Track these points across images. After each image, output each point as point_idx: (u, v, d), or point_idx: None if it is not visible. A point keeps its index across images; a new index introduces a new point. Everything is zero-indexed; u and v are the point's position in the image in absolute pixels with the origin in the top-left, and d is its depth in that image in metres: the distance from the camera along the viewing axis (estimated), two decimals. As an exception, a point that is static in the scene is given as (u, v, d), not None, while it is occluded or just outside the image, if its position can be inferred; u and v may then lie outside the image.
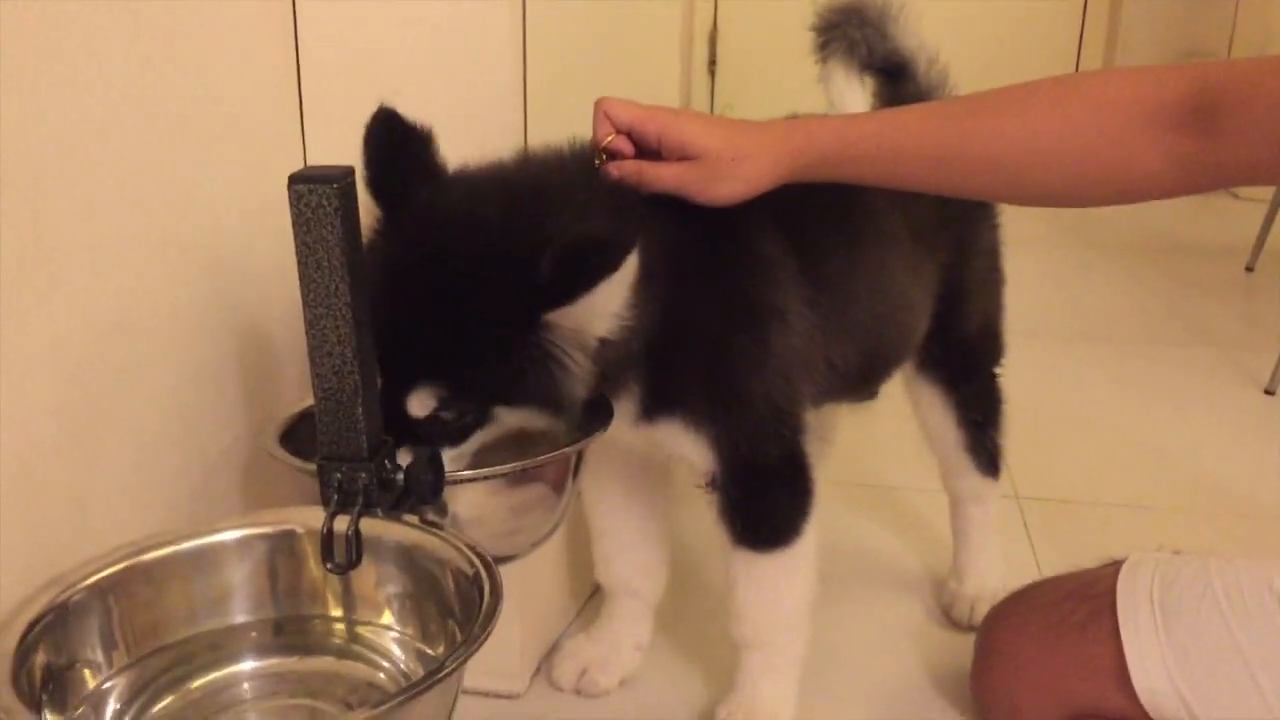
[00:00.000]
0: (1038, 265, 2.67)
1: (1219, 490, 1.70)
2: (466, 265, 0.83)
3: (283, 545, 0.80)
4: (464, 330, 0.82)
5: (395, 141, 0.86)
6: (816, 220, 1.05)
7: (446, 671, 0.63)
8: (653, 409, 0.98)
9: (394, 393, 0.83)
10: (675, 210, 0.94)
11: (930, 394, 1.31)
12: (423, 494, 0.80)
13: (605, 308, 0.82)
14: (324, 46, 1.05)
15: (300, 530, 0.80)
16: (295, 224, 0.74)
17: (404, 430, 0.84)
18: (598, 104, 0.97)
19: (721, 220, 0.97)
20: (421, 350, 0.83)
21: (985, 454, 1.34)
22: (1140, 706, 1.04)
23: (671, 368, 0.95)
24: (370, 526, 0.78)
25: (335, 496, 0.78)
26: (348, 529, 0.77)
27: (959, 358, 1.29)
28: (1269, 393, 2.05)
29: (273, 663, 0.78)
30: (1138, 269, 2.81)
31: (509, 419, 0.87)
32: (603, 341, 0.85)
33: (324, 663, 0.78)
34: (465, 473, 0.85)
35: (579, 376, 0.85)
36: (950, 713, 1.20)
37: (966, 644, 1.19)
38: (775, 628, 1.11)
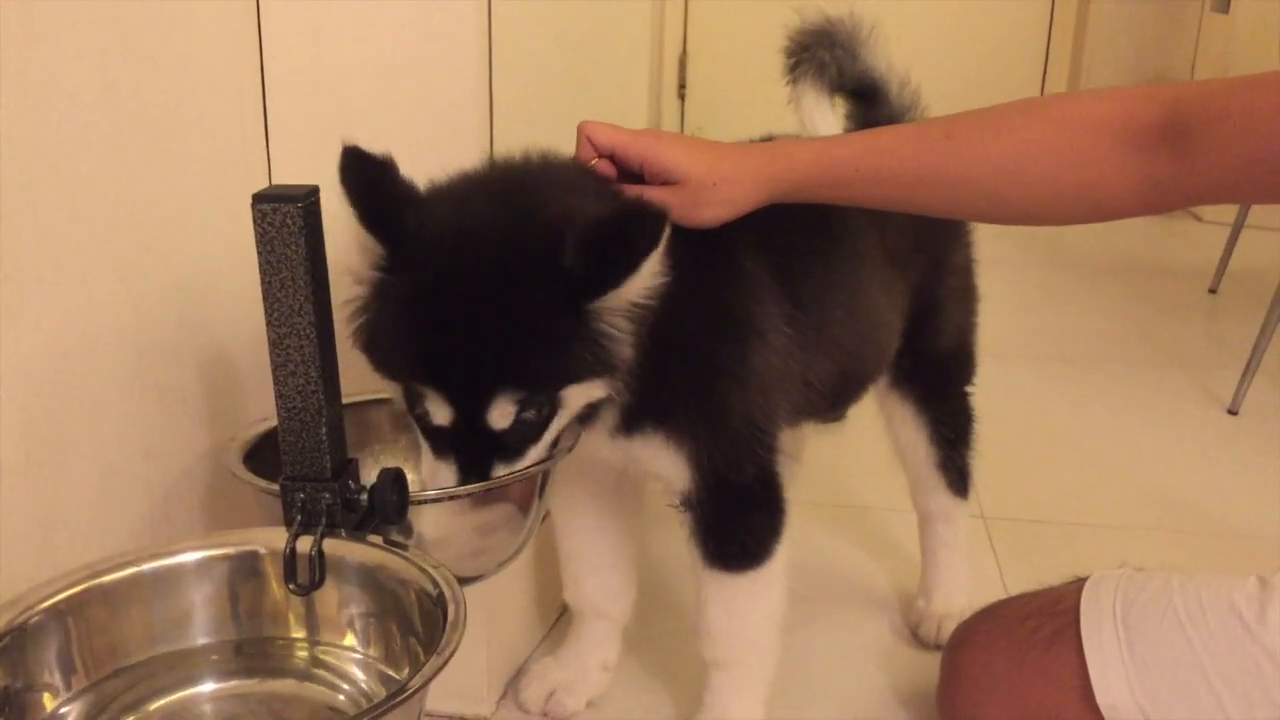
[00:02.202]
0: (1008, 286, 2.69)
1: (1184, 508, 1.71)
2: (497, 272, 0.82)
3: (244, 566, 0.79)
4: (519, 333, 0.82)
5: (371, 176, 0.84)
6: (796, 238, 1.06)
7: (407, 694, 0.63)
8: (633, 422, 0.98)
9: (471, 414, 0.83)
10: None
11: (903, 410, 1.31)
12: (388, 514, 0.79)
13: (645, 279, 0.84)
14: (289, 68, 1.05)
15: (262, 551, 0.80)
16: (259, 243, 0.74)
17: (490, 446, 0.84)
18: (580, 127, 0.97)
19: (707, 234, 0.97)
20: (487, 365, 0.82)
21: (955, 472, 1.35)
22: (1104, 722, 1.04)
23: (655, 380, 0.94)
24: (333, 547, 0.77)
25: (298, 517, 0.78)
26: (311, 549, 0.77)
27: (932, 374, 1.30)
28: (1232, 412, 2.07)
29: (233, 685, 0.78)
30: (1104, 290, 2.84)
31: (574, 399, 0.87)
32: (639, 305, 0.86)
33: (285, 685, 0.78)
34: (430, 492, 0.84)
35: (626, 340, 0.86)
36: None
37: (934, 662, 1.19)
38: (745, 647, 1.10)
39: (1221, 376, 2.13)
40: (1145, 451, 1.91)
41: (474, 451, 0.85)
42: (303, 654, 0.79)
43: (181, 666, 0.77)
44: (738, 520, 1.04)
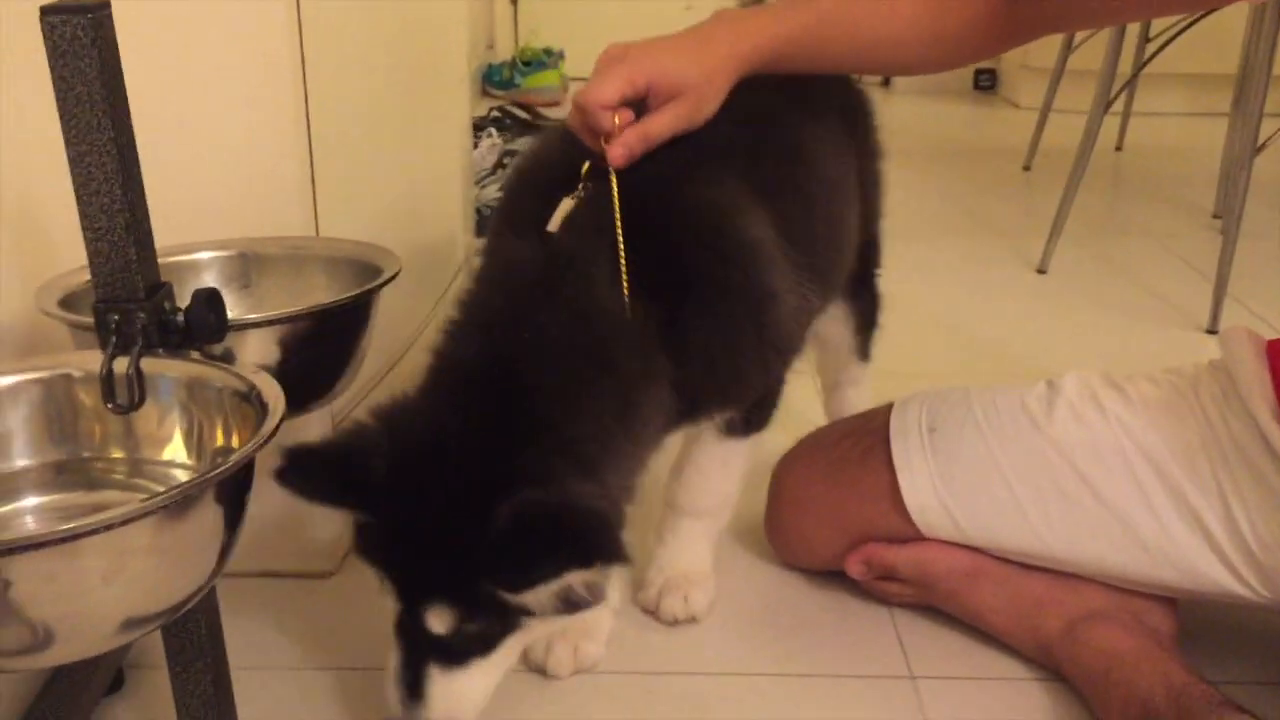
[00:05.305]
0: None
1: (997, 355, 1.84)
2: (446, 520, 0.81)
3: (59, 389, 0.79)
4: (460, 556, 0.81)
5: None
6: (779, 177, 1.07)
7: (227, 466, 0.65)
8: (691, 414, 1.01)
9: (412, 609, 0.84)
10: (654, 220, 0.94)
11: (836, 301, 1.32)
12: (205, 334, 0.80)
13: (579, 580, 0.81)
14: None
15: (76, 374, 0.80)
16: (51, 58, 0.74)
17: (426, 644, 0.85)
18: (583, 104, 0.95)
19: (706, 213, 0.97)
20: (428, 568, 0.83)
21: (867, 345, 1.41)
22: (913, 525, 1.12)
23: (702, 377, 0.96)
24: (150, 365, 0.78)
25: (113, 339, 0.78)
26: (128, 369, 0.77)
27: (862, 261, 1.33)
28: (1041, 272, 2.22)
29: (56, 498, 0.78)
30: (934, 173, 2.95)
31: (539, 628, 0.87)
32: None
33: (109, 495, 0.78)
34: (252, 316, 0.85)
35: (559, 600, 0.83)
36: (751, 558, 1.27)
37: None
38: (723, 499, 1.17)
39: (1033, 242, 2.26)
40: (968, 309, 2.04)
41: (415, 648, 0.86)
42: (125, 470, 0.79)
43: (2, 486, 0.77)
44: (761, 411, 1.12)
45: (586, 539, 0.78)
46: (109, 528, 0.59)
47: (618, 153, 0.94)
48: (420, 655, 0.85)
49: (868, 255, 1.35)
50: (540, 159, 1.10)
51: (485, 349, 0.87)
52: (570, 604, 0.83)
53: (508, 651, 0.88)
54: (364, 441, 0.83)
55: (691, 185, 0.97)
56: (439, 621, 0.84)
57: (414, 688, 0.86)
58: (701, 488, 1.15)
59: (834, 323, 1.36)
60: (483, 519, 0.78)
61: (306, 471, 0.82)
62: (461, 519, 0.80)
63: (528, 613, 0.83)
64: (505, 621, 0.85)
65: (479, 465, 0.81)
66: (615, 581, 1.12)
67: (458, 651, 0.85)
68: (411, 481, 0.82)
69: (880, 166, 1.33)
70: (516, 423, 0.82)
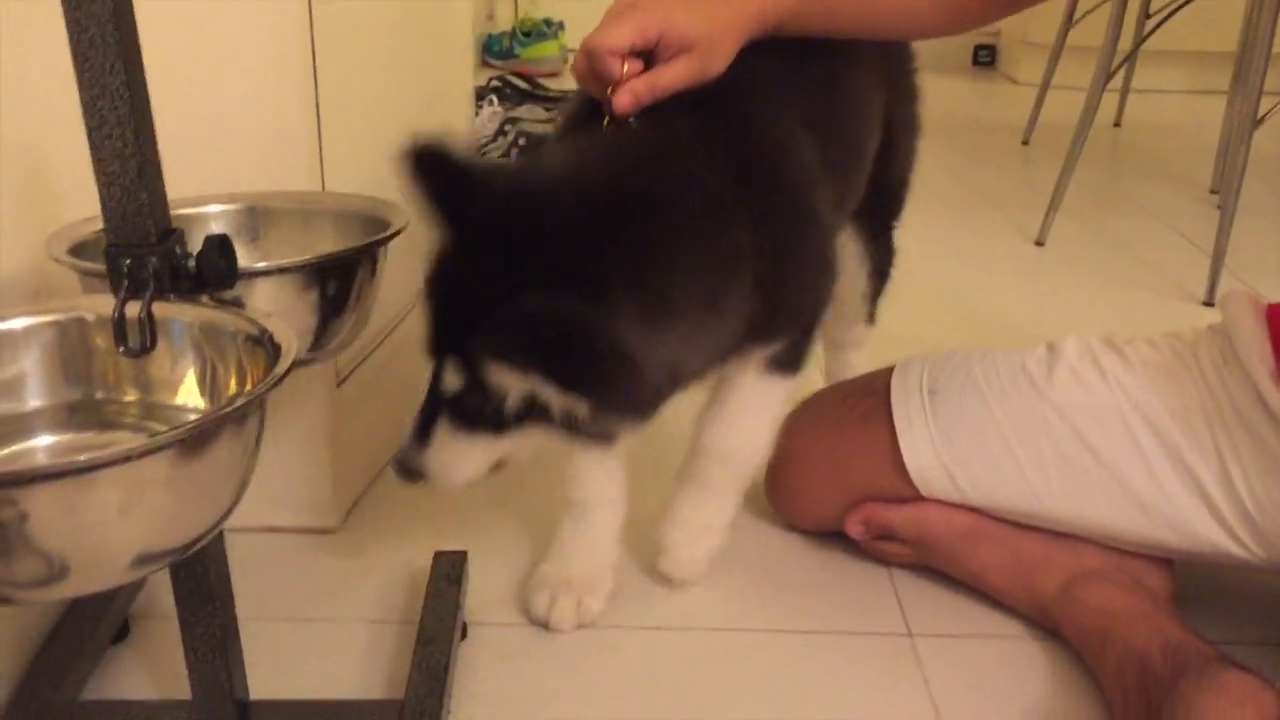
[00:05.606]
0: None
1: (995, 325, 1.85)
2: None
3: (72, 332, 0.80)
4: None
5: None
6: (819, 108, 1.06)
7: (237, 404, 0.65)
8: (746, 344, 1.01)
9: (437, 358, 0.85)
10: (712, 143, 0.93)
11: (851, 245, 1.33)
12: (216, 280, 0.80)
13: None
14: None
15: (90, 317, 0.80)
16: (64, 2, 0.73)
17: (444, 397, 0.86)
18: (591, 49, 0.95)
19: (768, 137, 0.97)
20: (456, 321, 0.84)
21: (874, 303, 1.41)
22: (913, 485, 1.13)
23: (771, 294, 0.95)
24: (162, 310, 0.78)
25: (125, 283, 0.78)
26: (140, 313, 0.77)
27: (882, 206, 1.32)
28: (1039, 244, 2.23)
29: (68, 438, 0.78)
30: (933, 147, 2.93)
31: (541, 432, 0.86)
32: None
33: (121, 435, 0.79)
34: (261, 264, 0.86)
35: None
36: (752, 518, 1.28)
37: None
38: (755, 444, 1.15)
39: (1031, 215, 2.28)
40: (967, 280, 2.05)
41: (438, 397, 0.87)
42: (137, 412, 0.80)
43: (14, 426, 0.78)
44: (801, 344, 1.10)
45: (578, 361, 0.78)
46: (127, 459, 0.60)
47: (625, 100, 0.94)
48: (440, 404, 0.87)
49: (891, 202, 1.35)
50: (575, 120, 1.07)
51: (616, 165, 0.88)
52: (546, 417, 0.83)
53: (513, 441, 0.87)
54: (490, 168, 0.86)
55: (752, 114, 0.98)
56: (450, 377, 0.85)
57: (424, 431, 0.88)
58: (736, 427, 1.12)
59: (850, 260, 1.35)
60: (517, 297, 0.78)
61: (433, 156, 0.86)
62: (503, 289, 0.80)
63: (502, 402, 0.83)
64: (497, 408, 0.84)
65: (551, 252, 0.81)
66: (610, 527, 1.13)
67: (468, 415, 0.86)
68: (497, 225, 0.83)
69: (917, 110, 1.33)
70: (620, 242, 0.82)
